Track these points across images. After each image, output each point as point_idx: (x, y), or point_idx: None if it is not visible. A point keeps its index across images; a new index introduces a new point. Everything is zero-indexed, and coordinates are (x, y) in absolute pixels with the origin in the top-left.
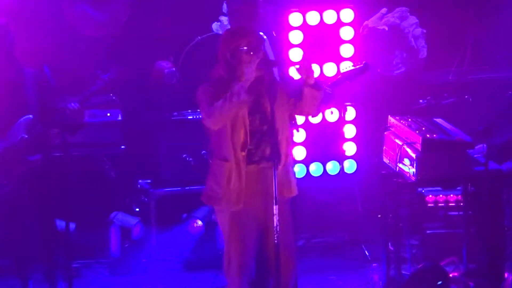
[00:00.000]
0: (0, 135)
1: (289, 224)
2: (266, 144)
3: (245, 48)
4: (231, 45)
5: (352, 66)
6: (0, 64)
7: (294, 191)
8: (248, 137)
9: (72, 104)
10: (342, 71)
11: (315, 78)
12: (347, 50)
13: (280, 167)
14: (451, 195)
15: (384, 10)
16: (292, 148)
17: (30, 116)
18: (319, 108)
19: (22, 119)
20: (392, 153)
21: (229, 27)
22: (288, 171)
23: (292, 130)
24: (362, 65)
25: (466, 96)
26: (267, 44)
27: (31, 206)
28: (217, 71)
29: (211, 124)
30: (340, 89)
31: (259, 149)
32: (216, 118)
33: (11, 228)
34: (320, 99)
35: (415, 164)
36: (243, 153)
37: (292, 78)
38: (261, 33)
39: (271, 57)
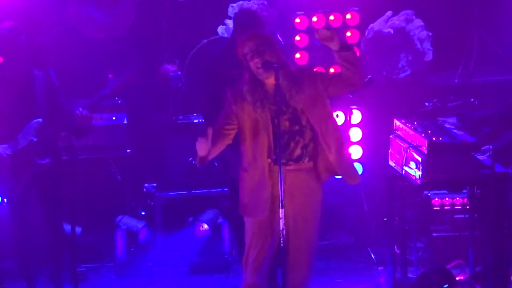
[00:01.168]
0: (9, 138)
1: (316, 225)
2: (296, 145)
3: (249, 54)
4: (239, 54)
5: None
6: (9, 66)
7: (356, 178)
8: (272, 143)
9: (81, 109)
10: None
11: (340, 39)
12: None
13: (332, 156)
14: (457, 198)
15: (389, 13)
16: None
17: (40, 119)
18: (360, 72)
19: (31, 122)
20: (398, 156)
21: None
22: (341, 161)
23: (334, 120)
24: (366, 80)
25: (472, 99)
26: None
27: (39, 209)
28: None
29: None
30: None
31: (286, 151)
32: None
33: (19, 231)
34: (354, 60)
35: (421, 167)
36: (269, 160)
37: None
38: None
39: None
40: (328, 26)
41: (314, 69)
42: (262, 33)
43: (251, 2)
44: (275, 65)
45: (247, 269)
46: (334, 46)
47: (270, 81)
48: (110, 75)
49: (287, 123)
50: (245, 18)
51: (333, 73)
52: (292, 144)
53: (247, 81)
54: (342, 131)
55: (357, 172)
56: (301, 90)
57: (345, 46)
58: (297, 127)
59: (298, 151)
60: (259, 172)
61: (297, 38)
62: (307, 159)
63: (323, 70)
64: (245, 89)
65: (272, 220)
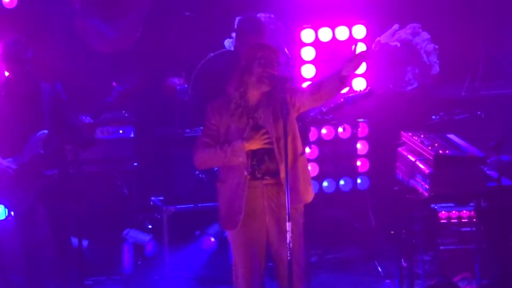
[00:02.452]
0: (16, 150)
1: (300, 238)
2: (271, 160)
3: (261, 59)
4: (249, 55)
5: (359, 90)
6: (16, 80)
7: (309, 196)
8: (250, 155)
9: (85, 117)
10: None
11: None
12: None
13: (282, 174)
14: (464, 211)
15: (396, 26)
16: (302, 155)
17: (46, 131)
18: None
19: (37, 134)
20: (405, 169)
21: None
22: (295, 180)
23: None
24: (367, 91)
25: (478, 112)
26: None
27: (46, 222)
28: (228, 88)
29: (196, 164)
30: (341, 111)
31: (262, 165)
32: (202, 166)
33: (26, 243)
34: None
35: (427, 180)
36: (246, 173)
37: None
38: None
39: (285, 73)
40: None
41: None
42: (275, 49)
43: (259, 14)
44: (282, 78)
45: (239, 286)
46: (350, 71)
47: (257, 93)
48: (114, 83)
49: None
50: (248, 25)
51: (306, 87)
52: (267, 159)
53: (234, 88)
54: (350, 144)
55: (303, 195)
56: (287, 112)
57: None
58: (270, 144)
59: (273, 166)
60: (234, 184)
61: (303, 51)
62: (281, 175)
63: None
64: (237, 96)
65: (257, 236)
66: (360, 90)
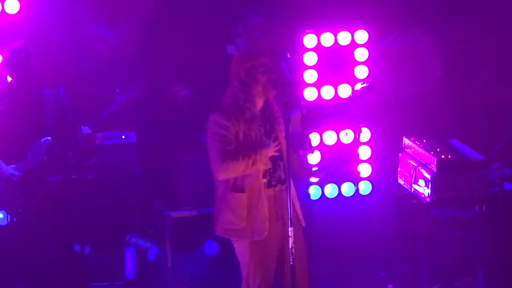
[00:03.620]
0: (19, 157)
1: (304, 247)
2: (282, 167)
3: (261, 67)
4: (245, 65)
5: (360, 85)
6: (19, 86)
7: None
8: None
9: (84, 129)
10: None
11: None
12: (361, 72)
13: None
14: (467, 216)
15: (398, 31)
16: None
17: (49, 138)
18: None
19: (40, 140)
20: (407, 174)
21: (243, 49)
22: (295, 194)
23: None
24: (368, 84)
25: (481, 116)
26: (285, 64)
27: (49, 228)
28: (230, 94)
29: (221, 175)
30: (351, 108)
31: (276, 173)
32: (229, 176)
33: (29, 250)
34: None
35: (430, 185)
36: (265, 180)
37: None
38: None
39: (287, 77)
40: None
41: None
42: (276, 53)
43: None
44: (285, 83)
45: None
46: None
47: (262, 100)
48: (117, 90)
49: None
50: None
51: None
52: (277, 167)
53: (242, 97)
54: (352, 149)
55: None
56: (279, 121)
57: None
58: (278, 152)
59: (282, 173)
60: (256, 192)
61: (306, 56)
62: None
63: (332, 89)
64: (247, 105)
65: (269, 240)
66: (362, 84)
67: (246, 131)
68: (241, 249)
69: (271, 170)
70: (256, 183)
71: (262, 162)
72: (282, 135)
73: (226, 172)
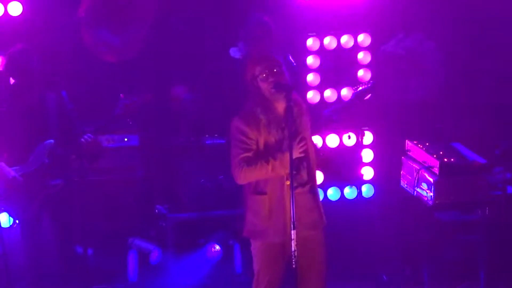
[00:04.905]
0: (22, 159)
1: (324, 254)
2: (304, 170)
3: (261, 75)
4: (249, 72)
5: (361, 87)
6: (22, 88)
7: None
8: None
9: (86, 136)
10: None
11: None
12: (364, 75)
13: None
14: (469, 219)
15: (401, 34)
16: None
17: (51, 140)
18: None
19: (43, 143)
20: (410, 177)
21: (245, 52)
22: (317, 196)
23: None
24: (369, 85)
25: (484, 120)
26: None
27: (51, 231)
28: (249, 102)
29: (240, 181)
30: (352, 110)
31: (298, 175)
32: (248, 181)
33: (31, 252)
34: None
35: (432, 188)
36: (288, 182)
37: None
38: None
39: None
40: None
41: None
42: (274, 56)
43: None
44: (287, 86)
45: None
46: None
47: (281, 104)
48: (121, 95)
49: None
50: (258, 29)
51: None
52: (302, 168)
53: (257, 103)
54: (354, 152)
55: (321, 219)
56: (303, 119)
57: None
58: (304, 153)
59: (305, 176)
60: (278, 195)
61: (309, 59)
62: (310, 184)
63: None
64: (259, 110)
65: (284, 244)
66: (363, 86)
67: (266, 136)
68: (257, 248)
69: (295, 173)
70: (278, 186)
71: (283, 167)
72: (307, 135)
73: (244, 178)
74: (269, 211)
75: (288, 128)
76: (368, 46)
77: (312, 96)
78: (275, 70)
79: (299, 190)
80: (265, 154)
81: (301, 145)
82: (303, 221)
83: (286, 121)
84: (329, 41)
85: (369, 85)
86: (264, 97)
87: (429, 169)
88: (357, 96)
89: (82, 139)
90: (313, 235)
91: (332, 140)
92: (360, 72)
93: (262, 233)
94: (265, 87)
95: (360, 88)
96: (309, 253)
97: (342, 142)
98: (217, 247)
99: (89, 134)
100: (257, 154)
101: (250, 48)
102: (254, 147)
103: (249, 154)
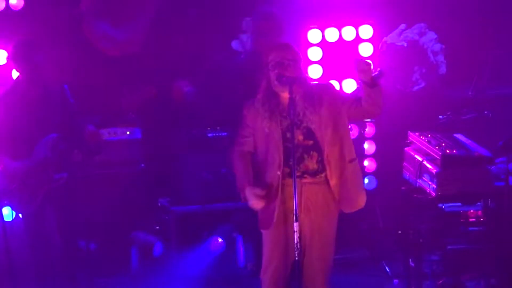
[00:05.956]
0: (25, 153)
1: (332, 241)
2: (310, 159)
3: (271, 64)
4: (264, 60)
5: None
6: (26, 80)
7: (360, 204)
8: (282, 155)
9: (89, 127)
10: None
11: (371, 75)
12: None
13: (333, 182)
14: (472, 211)
15: (403, 26)
16: (353, 161)
17: (54, 134)
18: (380, 109)
19: (46, 138)
20: (412, 169)
21: (248, 45)
22: (344, 187)
23: (346, 146)
24: (377, 73)
25: (485, 112)
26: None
27: (54, 224)
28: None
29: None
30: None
31: (301, 164)
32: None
33: (34, 246)
34: (377, 97)
35: (435, 180)
36: (278, 173)
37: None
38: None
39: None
40: (365, 60)
41: (337, 90)
42: (292, 47)
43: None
44: (289, 79)
45: (265, 283)
46: (365, 78)
47: (285, 94)
48: (125, 90)
49: (300, 137)
50: (264, 25)
51: (355, 99)
52: (306, 157)
53: (262, 90)
54: (357, 144)
55: (356, 202)
56: (315, 111)
57: (374, 82)
58: (311, 142)
59: (314, 165)
60: (272, 184)
61: (310, 51)
62: (324, 173)
63: (337, 83)
64: (258, 98)
65: (288, 235)
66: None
67: (262, 125)
68: (264, 238)
69: (291, 163)
70: (272, 176)
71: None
72: (317, 125)
73: (232, 164)
74: (267, 200)
75: (290, 120)
76: (370, 38)
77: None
78: (284, 62)
79: (308, 179)
80: (261, 147)
81: (252, 202)
82: (311, 213)
83: (288, 113)
84: (330, 33)
85: (376, 73)
86: (270, 86)
87: (431, 160)
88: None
89: (86, 129)
90: (321, 229)
91: None
92: None
93: (259, 222)
94: (271, 76)
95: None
96: (314, 247)
97: None
98: (220, 240)
99: (91, 128)
100: (256, 143)
101: (256, 43)
102: (250, 134)
103: (245, 140)
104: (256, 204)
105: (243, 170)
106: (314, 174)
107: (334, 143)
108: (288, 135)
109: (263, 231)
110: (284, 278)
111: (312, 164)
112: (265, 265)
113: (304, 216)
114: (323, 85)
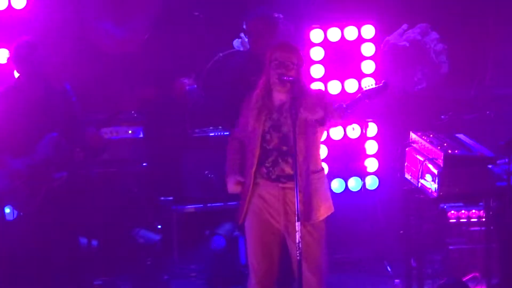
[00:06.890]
0: (26, 152)
1: (319, 245)
2: (286, 163)
3: (274, 62)
4: (267, 57)
5: (373, 85)
6: (26, 81)
7: (321, 214)
8: (257, 155)
9: (91, 131)
10: (363, 88)
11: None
12: (368, 66)
13: (301, 188)
14: (473, 211)
15: (405, 26)
16: (320, 167)
17: (55, 133)
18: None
19: (47, 136)
20: (414, 169)
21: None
22: (307, 196)
23: (319, 151)
24: (381, 84)
25: (487, 112)
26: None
27: (55, 223)
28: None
29: None
30: (359, 107)
31: (276, 168)
32: None
33: (35, 244)
34: (336, 124)
35: (437, 180)
36: (251, 171)
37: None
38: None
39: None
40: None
41: (330, 100)
42: (299, 51)
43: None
44: (290, 80)
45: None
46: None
47: (280, 95)
48: (126, 89)
49: (276, 141)
50: (262, 25)
51: (331, 113)
52: (281, 162)
53: (260, 86)
54: (358, 144)
55: (323, 210)
56: (297, 118)
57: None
58: (285, 148)
59: (289, 170)
60: (246, 182)
61: (312, 51)
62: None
63: (340, 84)
64: (255, 95)
65: (266, 230)
66: (375, 84)
67: (251, 119)
68: (247, 244)
69: (268, 165)
70: (247, 174)
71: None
72: (293, 133)
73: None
74: (242, 194)
75: (291, 121)
76: (372, 37)
77: (316, 88)
78: (289, 65)
79: (285, 183)
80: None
81: (234, 185)
82: (289, 215)
83: (290, 113)
84: (332, 33)
85: (380, 85)
86: (267, 83)
87: (433, 160)
88: (367, 95)
89: (87, 133)
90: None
91: (336, 132)
92: (364, 64)
93: (236, 214)
94: (272, 75)
95: (370, 87)
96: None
97: (346, 134)
98: (222, 239)
99: (92, 131)
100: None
101: (254, 44)
102: (245, 125)
103: (238, 131)
104: (230, 188)
105: (231, 158)
106: (290, 179)
107: (309, 148)
108: (268, 137)
109: (247, 237)
110: (270, 282)
111: (287, 169)
112: (251, 263)
113: (285, 221)
114: (319, 93)
